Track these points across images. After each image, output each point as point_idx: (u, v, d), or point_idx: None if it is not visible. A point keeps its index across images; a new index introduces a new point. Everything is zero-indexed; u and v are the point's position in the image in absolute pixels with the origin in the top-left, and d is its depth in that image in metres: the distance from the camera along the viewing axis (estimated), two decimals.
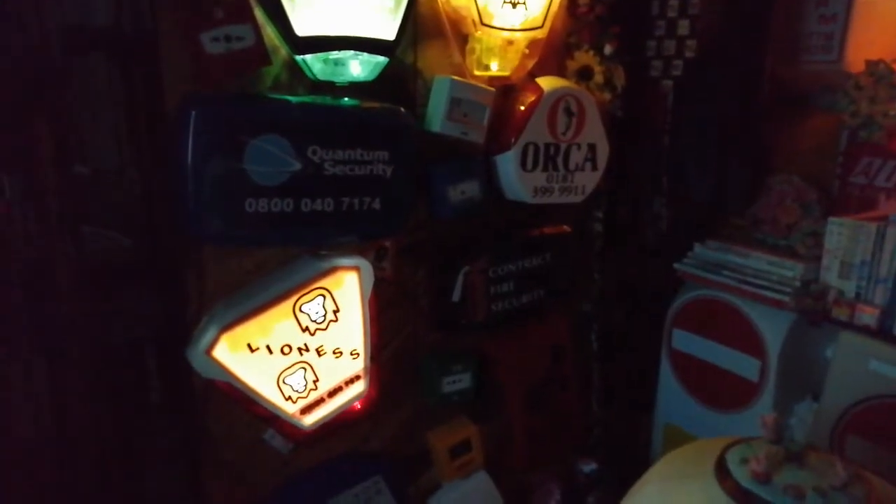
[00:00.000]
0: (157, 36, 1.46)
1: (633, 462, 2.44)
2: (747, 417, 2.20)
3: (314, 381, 1.69)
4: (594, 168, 2.07)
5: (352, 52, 1.55)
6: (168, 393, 1.72)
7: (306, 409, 1.69)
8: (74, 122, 1.55)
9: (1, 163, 1.44)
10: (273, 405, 1.63)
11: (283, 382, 1.63)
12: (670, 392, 2.45)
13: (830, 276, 2.01)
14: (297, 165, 1.53)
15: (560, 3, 1.93)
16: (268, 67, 1.54)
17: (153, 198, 1.62)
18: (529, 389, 2.19)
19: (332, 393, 1.73)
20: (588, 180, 2.08)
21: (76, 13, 1.52)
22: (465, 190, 1.87)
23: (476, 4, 1.74)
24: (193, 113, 1.40)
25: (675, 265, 2.34)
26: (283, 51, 1.56)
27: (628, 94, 2.15)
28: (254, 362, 1.57)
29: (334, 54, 1.55)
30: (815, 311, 2.03)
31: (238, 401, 1.60)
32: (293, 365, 1.64)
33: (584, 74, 2.07)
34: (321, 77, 1.58)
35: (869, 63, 2.05)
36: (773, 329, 2.12)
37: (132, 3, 1.55)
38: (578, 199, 2.08)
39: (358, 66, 1.60)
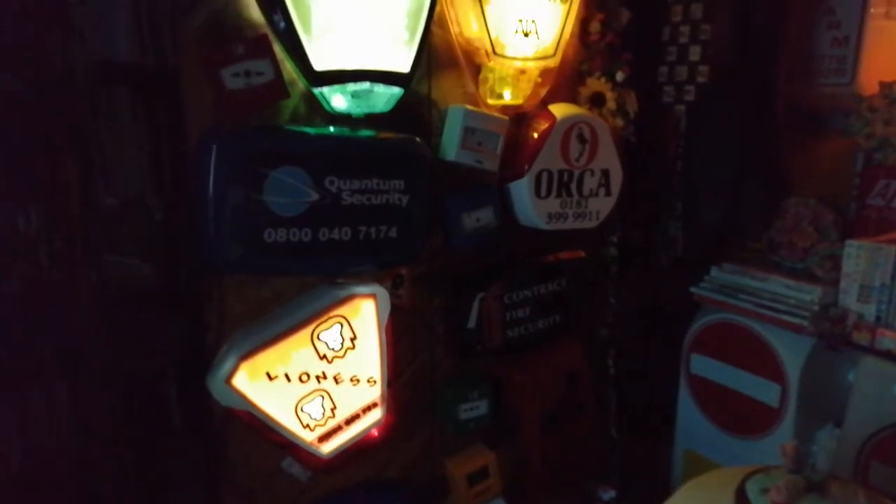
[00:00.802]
0: (180, 71, 1.51)
1: (652, 489, 2.41)
2: (768, 444, 2.16)
3: (332, 409, 1.69)
4: (608, 193, 2.08)
5: (368, 84, 1.59)
6: (188, 420, 1.74)
7: (324, 437, 1.70)
8: (99, 153, 1.59)
9: (28, 192, 1.48)
10: (291, 433, 1.64)
11: (301, 410, 1.64)
12: (689, 418, 2.43)
13: (849, 299, 2.00)
14: (315, 196, 1.55)
15: (571, 32, 1.96)
16: (286, 100, 1.58)
17: (174, 228, 1.65)
18: (546, 415, 2.17)
19: (350, 420, 1.73)
20: (602, 206, 2.09)
21: (102, 48, 1.58)
22: (480, 217, 1.89)
23: (489, 35, 1.77)
24: (214, 147, 1.44)
25: (692, 289, 2.33)
26: (301, 84, 1.60)
27: (641, 119, 2.16)
28: (272, 391, 1.58)
29: (351, 86, 1.58)
30: (835, 336, 2.00)
31: (256, 428, 1.61)
32: (311, 393, 1.65)
33: (597, 101, 2.09)
34: (338, 109, 1.62)
35: (883, 85, 2.05)
36: (792, 354, 2.10)
37: (156, 39, 1.60)
38: (593, 224, 2.09)
39: (374, 99, 1.63)
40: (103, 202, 1.62)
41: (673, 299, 2.44)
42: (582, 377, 2.26)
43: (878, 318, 1.94)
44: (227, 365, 1.52)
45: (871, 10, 2.08)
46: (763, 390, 2.18)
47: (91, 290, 1.58)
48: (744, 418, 2.26)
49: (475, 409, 2.03)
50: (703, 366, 2.36)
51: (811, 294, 2.05)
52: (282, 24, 1.47)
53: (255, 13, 1.52)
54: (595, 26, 2.03)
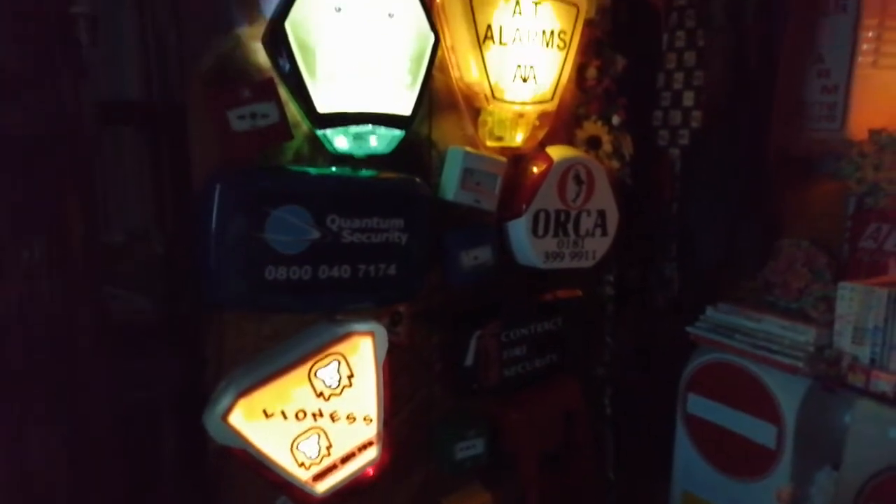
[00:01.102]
0: (187, 112, 1.55)
1: None
2: (767, 486, 2.15)
3: (327, 448, 1.69)
4: (604, 234, 2.11)
5: (370, 126, 1.63)
6: (183, 456, 1.73)
7: (319, 476, 1.68)
8: (104, 189, 1.62)
9: (32, 225, 1.50)
10: (286, 472, 1.62)
11: (297, 448, 1.63)
12: (687, 458, 2.41)
13: (844, 341, 2.01)
14: (317, 234, 1.58)
15: (569, 78, 2.01)
16: (290, 141, 1.62)
17: (176, 263, 1.67)
18: (543, 455, 2.16)
19: (345, 459, 1.72)
20: (598, 245, 2.11)
21: (111, 87, 1.62)
22: (478, 255, 1.91)
23: (488, 80, 1.82)
24: (219, 186, 1.46)
25: (688, 328, 2.34)
26: (305, 125, 1.64)
27: (636, 162, 2.21)
28: (268, 428, 1.58)
29: (353, 128, 1.62)
30: (830, 377, 2.01)
31: (251, 466, 1.60)
32: (307, 431, 1.65)
33: (593, 143, 2.13)
34: (340, 150, 1.65)
35: (872, 132, 2.10)
36: (788, 395, 2.10)
37: (164, 80, 1.65)
38: (589, 263, 2.11)
39: (376, 140, 1.67)
40: (106, 237, 1.64)
41: (669, 339, 2.44)
42: (579, 417, 2.26)
43: (872, 361, 1.95)
44: (224, 402, 1.52)
45: (859, 59, 2.14)
46: (760, 431, 2.17)
47: (90, 323, 1.59)
48: (741, 460, 2.24)
49: (472, 448, 2.02)
50: (699, 406, 2.36)
51: (806, 335, 2.06)
52: (287, 68, 1.51)
53: (261, 57, 1.56)
54: (592, 72, 2.09)
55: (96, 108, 1.56)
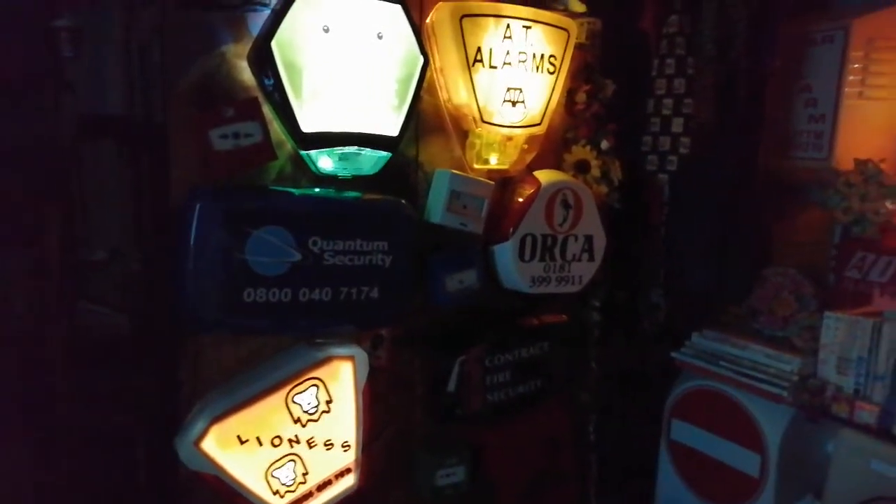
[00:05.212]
0: (168, 130, 1.52)
1: None
2: None
3: (303, 475, 1.65)
4: (591, 259, 2.10)
5: (355, 147, 1.60)
6: (152, 480, 1.68)
7: None
8: (82, 203, 1.59)
9: (8, 237, 1.47)
10: (260, 500, 1.58)
11: (272, 476, 1.60)
12: (670, 486, 2.39)
13: (828, 370, 2.01)
14: (298, 256, 1.55)
15: (558, 102, 2.00)
16: (274, 161, 1.59)
17: (153, 283, 1.63)
18: (526, 483, 2.13)
19: (322, 487, 1.69)
20: (585, 270, 2.10)
21: (92, 102, 1.59)
22: (463, 279, 1.88)
23: (477, 103, 1.80)
24: (198, 205, 1.44)
25: (673, 354, 2.33)
26: (289, 145, 1.61)
27: (625, 187, 2.20)
28: (242, 455, 1.54)
29: (339, 149, 1.59)
30: (814, 407, 2.00)
31: (223, 494, 1.56)
32: (283, 457, 1.61)
33: (582, 168, 2.12)
34: (325, 171, 1.63)
35: (858, 162, 2.11)
36: (772, 423, 2.10)
37: (146, 96, 1.62)
38: (575, 289, 2.09)
39: (361, 161, 1.64)
40: (83, 252, 1.60)
41: (655, 364, 2.43)
42: (563, 444, 2.23)
43: (856, 391, 1.95)
44: (198, 427, 1.48)
45: (846, 89, 2.15)
46: (743, 459, 2.16)
47: (64, 341, 1.56)
48: (724, 487, 2.23)
49: (452, 475, 1.98)
50: (684, 433, 2.34)
51: (791, 364, 2.06)
52: (272, 88, 1.49)
53: (246, 75, 1.54)
54: (581, 97, 2.08)
55: (77, 121, 1.53)
